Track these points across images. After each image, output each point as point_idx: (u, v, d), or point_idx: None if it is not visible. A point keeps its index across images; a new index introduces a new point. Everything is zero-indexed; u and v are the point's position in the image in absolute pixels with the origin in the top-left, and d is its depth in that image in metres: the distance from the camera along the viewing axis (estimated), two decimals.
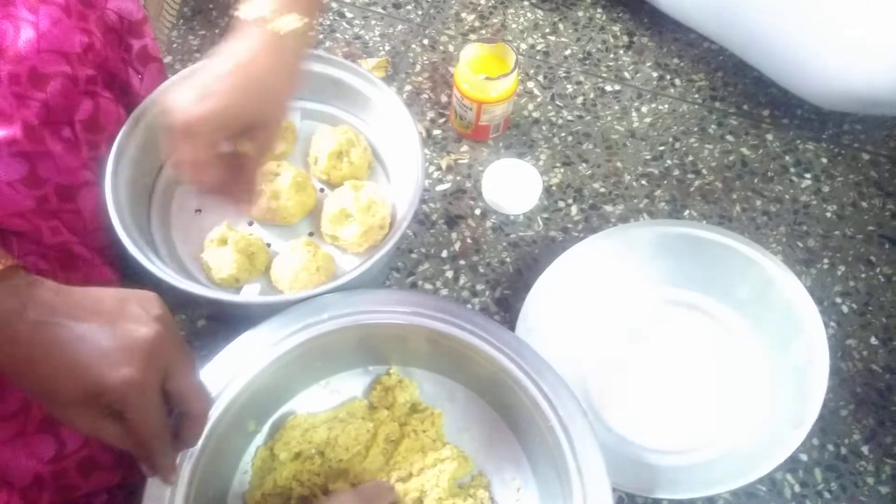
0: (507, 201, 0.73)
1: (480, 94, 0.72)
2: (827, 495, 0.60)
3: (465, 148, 0.78)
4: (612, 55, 0.86)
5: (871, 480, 0.61)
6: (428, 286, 0.70)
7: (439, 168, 0.77)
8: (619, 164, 0.77)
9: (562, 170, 0.77)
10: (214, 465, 0.50)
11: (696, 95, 0.83)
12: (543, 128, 0.80)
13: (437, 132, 0.79)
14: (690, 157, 0.78)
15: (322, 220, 0.63)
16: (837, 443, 0.62)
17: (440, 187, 0.75)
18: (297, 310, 0.54)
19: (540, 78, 0.83)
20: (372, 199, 0.61)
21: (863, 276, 0.71)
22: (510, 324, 0.63)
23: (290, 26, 0.49)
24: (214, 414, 0.49)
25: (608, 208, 0.74)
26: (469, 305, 0.69)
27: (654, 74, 0.84)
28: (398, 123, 0.63)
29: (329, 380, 0.59)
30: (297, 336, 0.53)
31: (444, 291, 0.69)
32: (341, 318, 0.54)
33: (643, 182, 0.76)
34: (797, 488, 0.60)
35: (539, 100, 0.82)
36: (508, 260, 0.71)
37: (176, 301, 0.55)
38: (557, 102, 0.82)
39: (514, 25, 0.88)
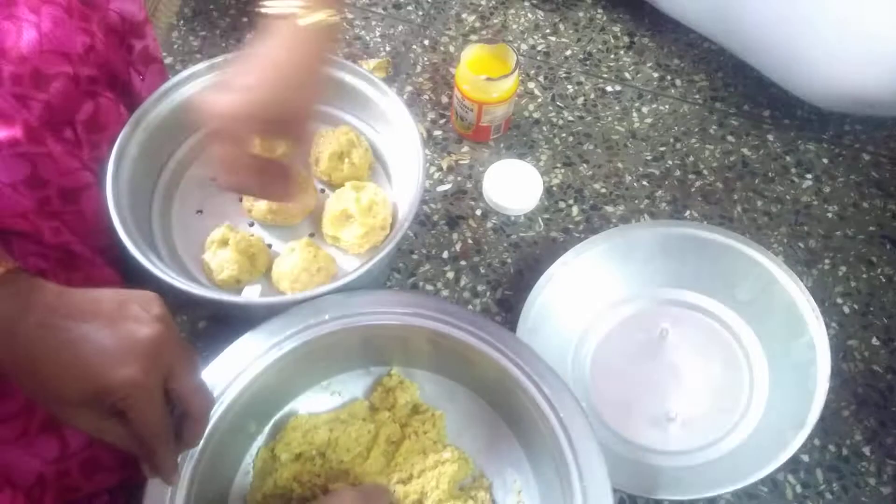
0: (508, 202, 0.73)
1: (481, 95, 0.72)
2: (828, 496, 0.60)
3: (465, 148, 0.78)
4: (612, 56, 0.86)
5: (872, 481, 0.61)
6: (429, 287, 0.70)
7: (440, 169, 0.77)
8: (619, 165, 0.77)
9: (563, 170, 0.77)
10: (215, 465, 0.50)
11: (697, 96, 0.83)
12: (544, 128, 0.80)
13: (437, 133, 0.79)
14: (691, 158, 0.78)
15: (323, 220, 0.63)
16: (839, 443, 0.62)
17: (441, 188, 0.75)
18: (297, 311, 0.54)
19: (541, 78, 0.83)
20: (373, 200, 0.61)
21: (864, 276, 0.71)
22: (511, 324, 0.63)
23: (319, 21, 0.49)
24: (215, 415, 0.49)
25: (609, 209, 0.74)
26: (470, 306, 0.69)
27: (655, 75, 0.84)
28: (399, 124, 0.63)
29: (330, 381, 0.59)
30: (297, 337, 0.53)
31: (445, 292, 0.69)
32: (342, 319, 0.54)
33: (644, 182, 0.76)
34: (798, 489, 0.60)
35: (540, 100, 0.82)
36: (509, 261, 0.71)
37: (177, 302, 0.55)
38: (558, 103, 0.82)
39: (514, 26, 0.88)
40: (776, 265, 0.62)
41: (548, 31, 0.88)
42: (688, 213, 0.74)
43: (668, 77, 0.84)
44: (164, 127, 0.64)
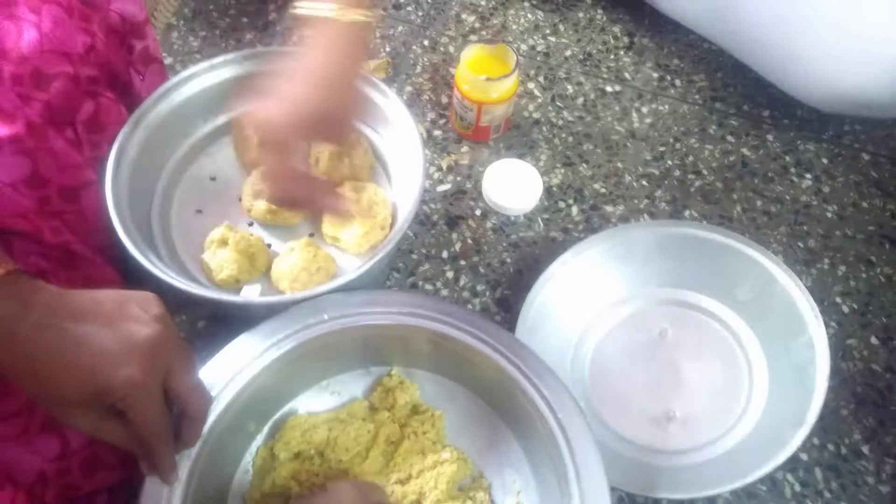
0: (508, 202, 0.73)
1: (481, 95, 0.73)
2: (827, 495, 0.60)
3: (465, 148, 0.78)
4: (612, 56, 0.86)
5: (871, 480, 0.61)
6: (428, 287, 0.70)
7: (440, 169, 0.77)
8: (619, 165, 0.77)
9: (562, 170, 0.77)
10: (213, 464, 0.50)
11: (697, 96, 0.83)
12: (544, 128, 0.80)
13: (437, 133, 0.79)
14: (691, 158, 0.78)
15: (323, 220, 0.63)
16: (838, 442, 0.62)
17: (441, 188, 0.76)
18: (297, 311, 0.54)
19: (540, 79, 0.84)
20: (373, 200, 0.62)
21: (863, 276, 0.71)
22: (510, 324, 0.63)
23: (354, 20, 0.51)
24: (213, 414, 0.49)
25: (609, 209, 0.74)
26: (469, 306, 0.69)
27: (655, 75, 0.84)
28: (399, 124, 0.63)
29: (330, 380, 0.59)
30: (296, 336, 0.53)
31: (445, 292, 0.70)
32: (341, 318, 0.54)
33: (644, 182, 0.76)
34: (797, 488, 0.60)
35: (539, 100, 0.82)
36: (509, 260, 0.71)
37: (176, 302, 0.56)
38: (558, 103, 0.82)
39: (514, 26, 0.88)
40: (776, 265, 0.62)
41: (547, 31, 0.88)
42: (687, 212, 0.75)
43: (668, 77, 0.84)
44: (164, 127, 0.64)
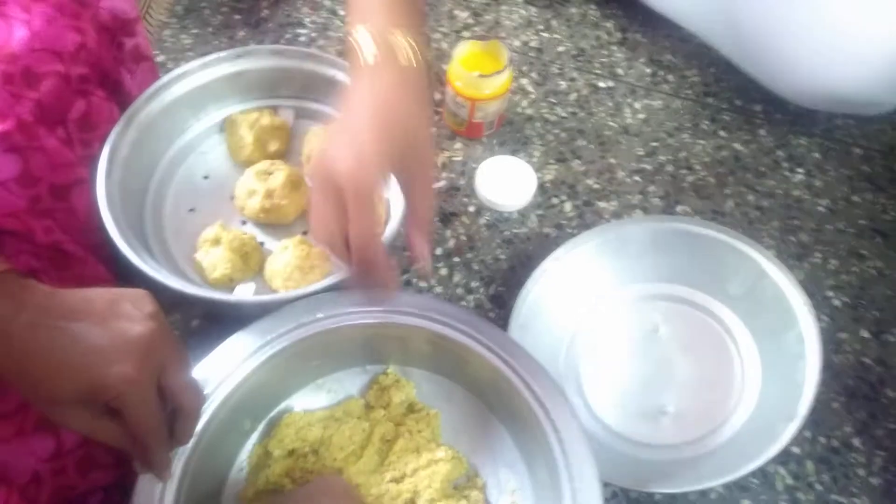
0: (501, 198, 0.73)
1: (474, 92, 0.73)
2: (819, 487, 0.61)
3: (458, 145, 0.78)
4: (605, 51, 0.86)
5: (862, 472, 0.61)
6: (422, 284, 0.70)
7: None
8: (612, 161, 0.78)
9: (555, 166, 0.77)
10: (207, 462, 0.51)
11: (689, 91, 0.83)
12: (537, 125, 0.80)
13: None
14: (683, 153, 0.78)
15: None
16: (829, 435, 0.63)
17: (434, 185, 0.75)
18: (290, 309, 0.54)
19: (533, 75, 0.84)
20: None
21: (855, 269, 0.71)
22: (504, 320, 0.64)
23: (407, 55, 0.47)
24: (206, 412, 0.49)
25: (602, 204, 0.75)
26: (463, 303, 0.69)
27: (647, 70, 0.84)
28: None
29: (325, 379, 0.59)
30: (290, 335, 0.53)
31: (439, 289, 0.70)
32: (335, 317, 0.54)
33: (636, 178, 0.77)
34: (789, 481, 0.61)
35: (532, 97, 0.82)
36: (503, 257, 0.71)
37: (169, 301, 0.55)
38: (551, 99, 0.82)
39: (507, 22, 0.88)
40: (767, 259, 0.62)
41: (540, 27, 0.88)
42: (680, 207, 0.75)
43: (661, 73, 0.84)
44: (156, 125, 0.64)
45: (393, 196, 0.64)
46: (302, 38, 0.86)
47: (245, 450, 0.56)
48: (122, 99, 0.62)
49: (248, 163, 0.66)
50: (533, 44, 0.86)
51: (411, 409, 0.58)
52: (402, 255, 0.71)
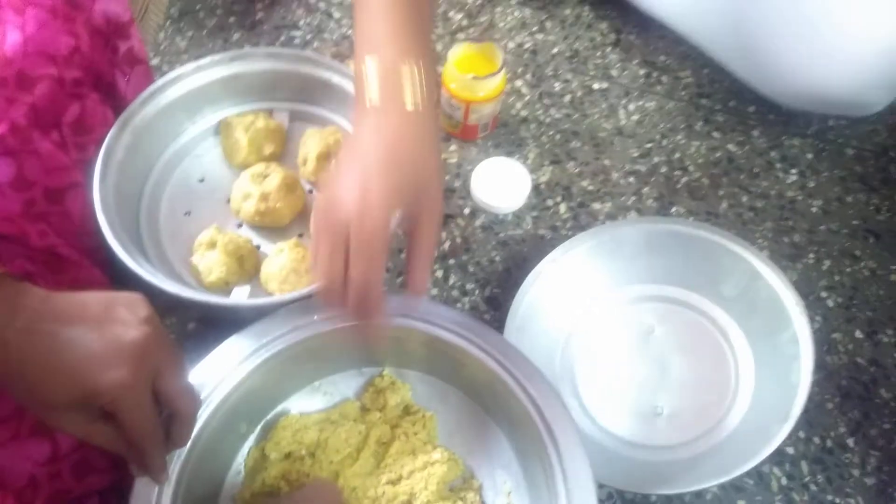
0: (496, 200, 0.73)
1: (468, 94, 0.73)
2: (813, 488, 0.61)
3: (453, 147, 0.78)
4: (599, 53, 0.86)
5: (856, 472, 0.62)
6: None
7: None
8: (606, 162, 0.78)
9: (550, 168, 0.77)
10: (204, 465, 0.51)
11: (683, 93, 0.83)
12: (532, 126, 0.80)
13: None
14: (677, 154, 0.79)
15: (311, 221, 0.63)
16: (823, 436, 0.63)
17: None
18: (286, 312, 0.54)
19: (528, 76, 0.84)
20: None
21: (848, 270, 0.72)
22: (500, 322, 0.64)
23: (413, 94, 0.46)
24: (202, 415, 0.49)
25: (596, 206, 0.75)
26: (459, 305, 0.69)
27: (641, 72, 0.85)
28: None
29: (321, 381, 0.59)
30: (286, 338, 0.53)
31: (434, 291, 0.70)
32: (331, 319, 0.54)
33: (631, 179, 0.77)
34: (784, 481, 0.61)
35: (527, 98, 0.82)
36: (498, 259, 0.72)
37: (165, 304, 0.55)
38: (545, 101, 0.82)
39: (501, 24, 0.88)
40: (760, 260, 0.62)
41: (535, 28, 0.88)
42: (674, 209, 0.75)
43: (655, 74, 0.84)
44: (151, 129, 0.64)
45: None
46: (296, 41, 0.86)
47: (241, 453, 0.56)
48: (116, 102, 0.62)
49: (244, 166, 0.66)
50: (527, 45, 0.86)
51: (407, 411, 0.58)
52: (398, 257, 0.71)
